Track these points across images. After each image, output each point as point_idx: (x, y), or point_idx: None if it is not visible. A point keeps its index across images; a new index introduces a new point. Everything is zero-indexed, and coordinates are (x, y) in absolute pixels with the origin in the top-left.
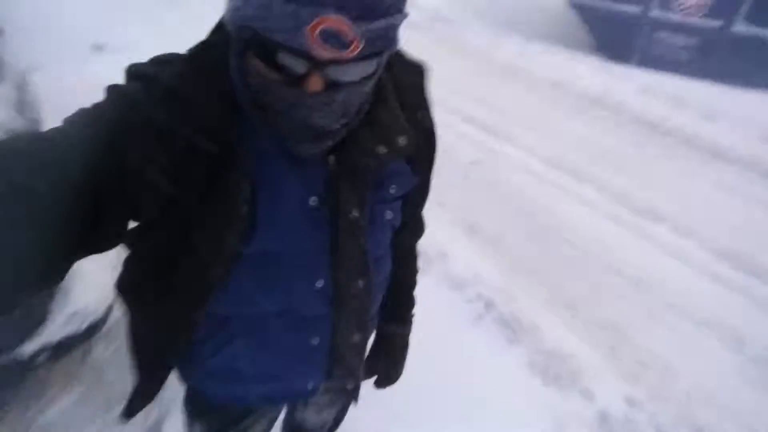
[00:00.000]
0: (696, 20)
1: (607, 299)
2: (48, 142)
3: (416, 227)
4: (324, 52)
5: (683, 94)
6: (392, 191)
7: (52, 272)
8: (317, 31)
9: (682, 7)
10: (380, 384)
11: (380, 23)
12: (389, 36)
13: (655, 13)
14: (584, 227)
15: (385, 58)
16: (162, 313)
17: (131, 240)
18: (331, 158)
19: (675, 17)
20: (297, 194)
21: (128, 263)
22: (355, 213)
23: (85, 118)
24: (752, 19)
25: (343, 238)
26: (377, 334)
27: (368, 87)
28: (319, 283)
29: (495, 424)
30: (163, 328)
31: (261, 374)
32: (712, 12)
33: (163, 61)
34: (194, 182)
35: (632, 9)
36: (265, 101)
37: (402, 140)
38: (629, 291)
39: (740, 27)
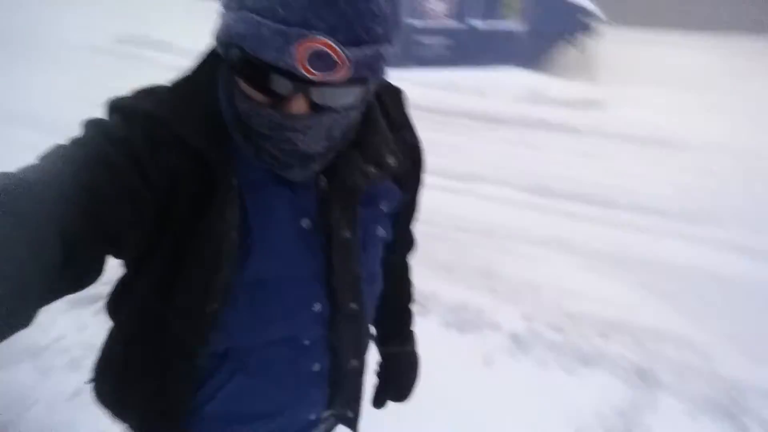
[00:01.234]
0: (445, 22)
1: (469, 253)
2: (23, 183)
3: (407, 242)
4: (311, 73)
5: (451, 81)
6: (383, 208)
7: (19, 317)
8: (305, 51)
9: (427, 14)
10: (391, 400)
11: (368, 50)
12: (376, 65)
13: (410, 21)
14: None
15: (370, 88)
16: (158, 369)
17: (113, 306)
18: (322, 179)
19: (428, 23)
20: (289, 218)
21: (113, 336)
22: (347, 234)
23: (62, 154)
24: (486, 16)
25: (336, 259)
26: (381, 360)
27: (353, 116)
28: (317, 307)
29: (436, 377)
30: (164, 384)
31: (264, 411)
32: (455, 15)
33: (146, 92)
34: (181, 213)
35: None
36: (251, 124)
37: (391, 160)
38: (482, 240)
39: (479, 23)
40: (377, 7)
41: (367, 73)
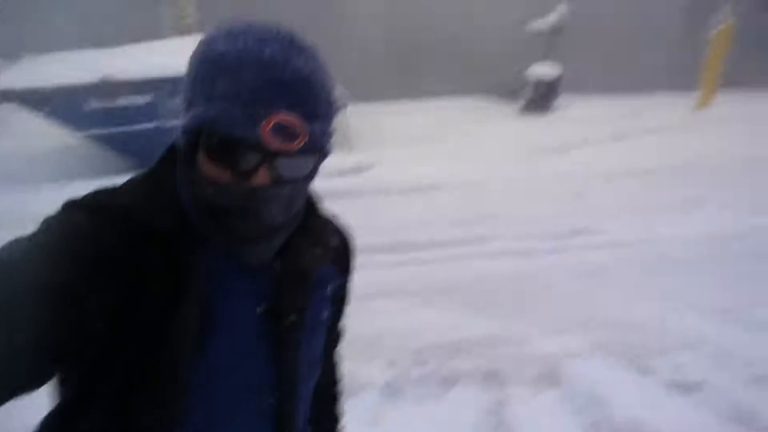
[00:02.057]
0: None
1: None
2: None
3: (338, 334)
4: (276, 143)
5: None
6: (327, 292)
7: None
8: (271, 125)
9: None
10: None
11: (319, 124)
12: (326, 138)
13: (172, 123)
14: None
15: (321, 159)
16: None
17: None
18: (277, 263)
19: None
20: (248, 304)
21: None
22: (292, 317)
23: (17, 249)
24: None
25: (283, 344)
26: None
27: (306, 186)
28: (270, 400)
29: None
30: None
31: None
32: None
33: (107, 192)
34: (143, 313)
35: (150, 125)
36: (214, 205)
37: (334, 241)
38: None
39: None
40: (321, 91)
41: (320, 144)
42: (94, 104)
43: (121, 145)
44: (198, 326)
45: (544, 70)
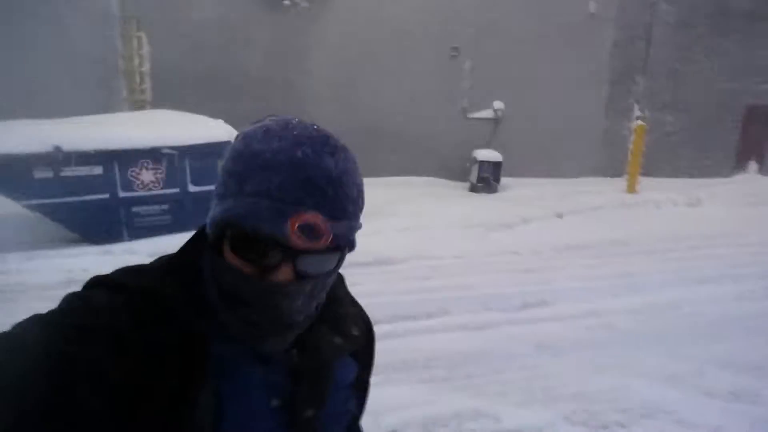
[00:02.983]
0: (160, 191)
1: None
2: None
3: (358, 428)
4: (301, 242)
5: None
6: (347, 384)
7: None
8: (297, 224)
9: (140, 186)
10: None
11: (344, 224)
12: (350, 235)
13: (123, 194)
14: None
15: (345, 254)
16: None
17: None
18: (294, 352)
19: (141, 193)
20: (261, 397)
21: None
22: (310, 412)
23: (39, 325)
24: (196, 182)
25: None
26: None
27: (330, 281)
28: None
29: None
30: None
31: None
32: (168, 183)
33: (130, 271)
34: (153, 398)
35: (101, 196)
36: (237, 296)
37: (355, 330)
38: None
39: (192, 188)
40: (350, 191)
41: (343, 242)
42: (44, 174)
43: (70, 216)
44: (210, 417)
45: (488, 154)
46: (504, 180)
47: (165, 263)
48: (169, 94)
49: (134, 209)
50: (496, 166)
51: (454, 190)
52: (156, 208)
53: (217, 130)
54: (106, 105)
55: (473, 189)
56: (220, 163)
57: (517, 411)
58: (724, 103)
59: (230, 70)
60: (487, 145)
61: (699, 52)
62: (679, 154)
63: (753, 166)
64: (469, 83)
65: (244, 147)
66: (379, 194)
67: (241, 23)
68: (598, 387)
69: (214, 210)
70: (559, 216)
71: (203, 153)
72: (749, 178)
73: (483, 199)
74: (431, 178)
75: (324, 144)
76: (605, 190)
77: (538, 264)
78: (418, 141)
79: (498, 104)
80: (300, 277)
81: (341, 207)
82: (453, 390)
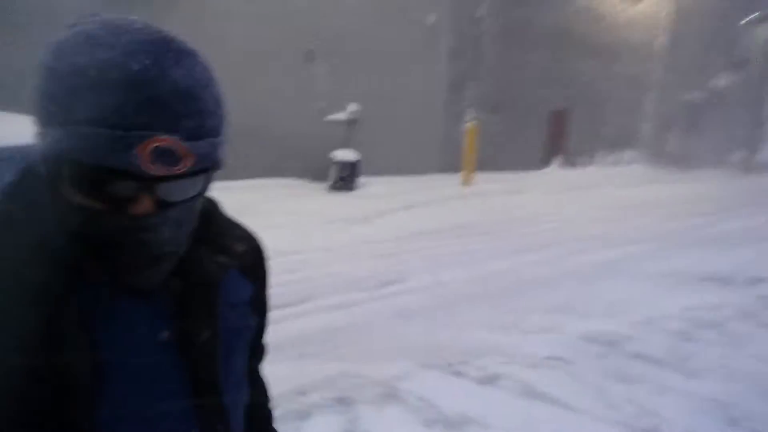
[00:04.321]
0: None
1: None
2: None
3: (262, 347)
4: (156, 169)
5: None
6: (241, 301)
7: None
8: (148, 150)
9: None
10: None
11: (205, 142)
12: (215, 154)
13: None
14: None
15: (211, 176)
16: None
17: None
18: (175, 280)
19: None
20: (145, 334)
21: None
22: (205, 334)
23: None
24: None
25: (199, 367)
26: None
27: (198, 204)
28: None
29: None
30: None
31: None
32: None
33: None
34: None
35: None
36: (92, 236)
37: (239, 247)
38: None
39: None
40: (207, 104)
41: (208, 162)
42: None
43: None
44: (87, 374)
45: (345, 154)
46: (362, 179)
47: None
48: None
49: None
50: (354, 165)
51: (315, 190)
52: None
53: None
54: None
55: (333, 188)
56: (34, 83)
57: (379, 366)
58: (536, 108)
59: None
60: (344, 146)
61: (515, 62)
62: (504, 150)
63: (557, 160)
64: (325, 86)
65: (59, 61)
66: (242, 196)
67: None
68: (444, 339)
69: (41, 142)
70: (408, 207)
71: None
72: (555, 171)
73: (342, 197)
74: (292, 179)
75: (166, 50)
76: (447, 184)
77: (393, 249)
78: (278, 143)
79: (353, 107)
80: (162, 206)
81: (199, 124)
82: (323, 362)
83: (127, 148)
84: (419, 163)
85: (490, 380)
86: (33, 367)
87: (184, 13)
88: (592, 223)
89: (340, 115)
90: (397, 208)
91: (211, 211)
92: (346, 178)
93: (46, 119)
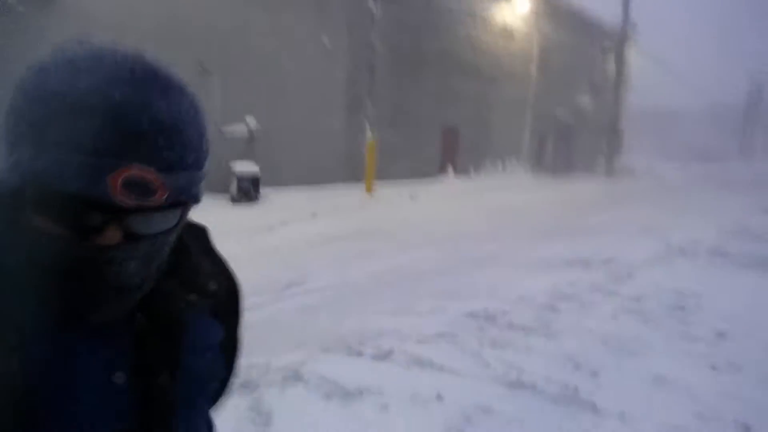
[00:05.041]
0: None
1: None
2: None
3: (222, 389)
4: (128, 201)
5: None
6: (206, 346)
7: None
8: (121, 180)
9: None
10: None
11: (184, 175)
12: (192, 188)
13: None
14: None
15: (187, 210)
16: None
17: None
18: (139, 316)
19: None
20: (97, 372)
21: None
22: (164, 378)
23: None
24: None
25: (153, 416)
26: None
27: (171, 238)
28: None
29: None
30: None
31: None
32: None
33: None
34: None
35: None
36: (52, 264)
37: (212, 285)
38: None
39: None
40: (189, 138)
41: (184, 196)
42: None
43: None
44: (18, 415)
45: (245, 166)
46: (264, 190)
47: None
48: None
49: None
50: (255, 177)
51: (216, 202)
52: None
53: None
54: None
55: (234, 200)
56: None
57: (284, 354)
58: (429, 124)
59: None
60: (243, 158)
61: (407, 83)
62: (401, 162)
63: (450, 170)
64: (219, 99)
65: (40, 85)
66: None
67: None
68: (346, 327)
69: (5, 162)
70: (313, 215)
71: None
72: (448, 179)
73: (245, 209)
74: None
75: (151, 81)
76: (349, 193)
77: (297, 255)
78: None
79: (251, 120)
80: (131, 238)
81: (178, 158)
82: None
83: (98, 175)
84: (323, 174)
85: (384, 356)
86: None
87: (72, 26)
88: (479, 222)
89: (239, 129)
90: (302, 216)
91: (189, 244)
92: (247, 190)
93: (14, 139)
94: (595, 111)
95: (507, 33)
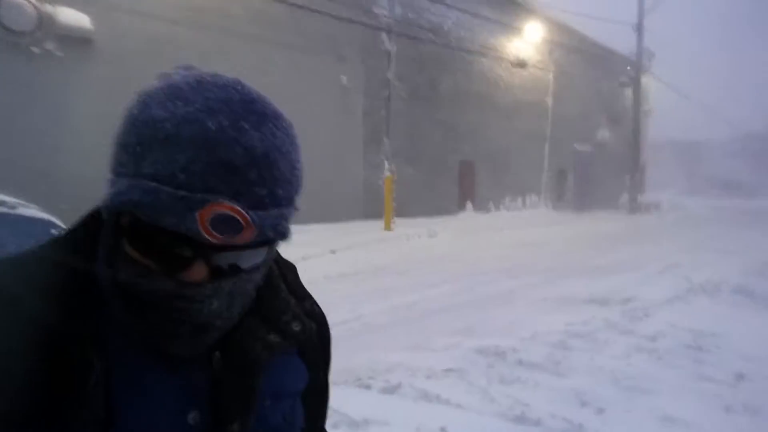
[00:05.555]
0: None
1: None
2: None
3: None
4: (215, 238)
5: None
6: (287, 392)
7: None
8: (209, 216)
9: None
10: None
11: (273, 212)
12: (281, 226)
13: None
14: None
15: (275, 248)
16: None
17: None
18: (216, 355)
19: None
20: (172, 411)
21: None
22: (235, 426)
23: None
24: None
25: None
26: None
27: (255, 279)
28: None
29: None
30: None
31: None
32: None
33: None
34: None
35: None
36: (137, 293)
37: (296, 326)
38: None
39: None
40: (282, 172)
41: (272, 233)
42: None
43: None
44: (99, 422)
45: None
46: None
47: (47, 247)
48: None
49: None
50: None
51: None
52: None
53: None
54: None
55: None
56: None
57: None
58: (446, 159)
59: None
60: None
61: (424, 119)
62: (420, 198)
63: (469, 205)
64: None
65: (141, 111)
66: None
67: None
68: (358, 362)
69: (109, 189)
70: (332, 251)
71: None
72: (468, 215)
73: None
74: None
75: (247, 111)
76: (368, 229)
77: (315, 289)
78: None
79: None
80: (217, 275)
81: (269, 193)
82: None
83: (188, 210)
84: (342, 211)
85: (392, 389)
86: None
87: (108, 68)
88: (497, 259)
89: None
90: (322, 252)
91: (276, 281)
92: None
93: (116, 168)
94: (616, 144)
95: (522, 65)
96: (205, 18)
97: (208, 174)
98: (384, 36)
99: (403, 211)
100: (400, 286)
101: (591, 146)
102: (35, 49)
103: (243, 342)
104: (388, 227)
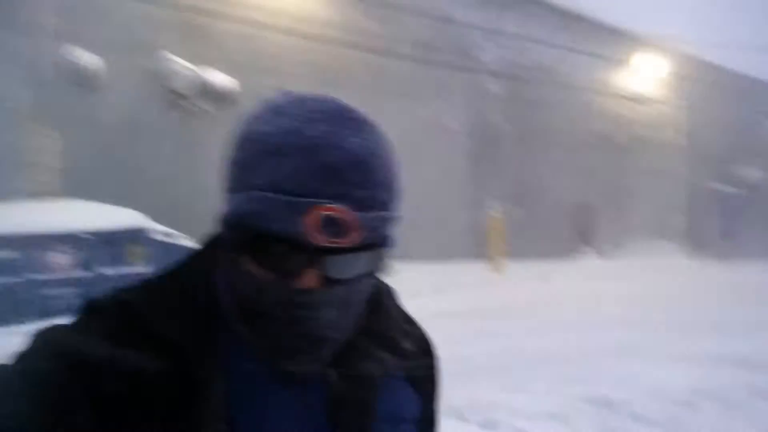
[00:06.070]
0: (72, 273)
1: None
2: None
3: None
4: (323, 240)
5: None
6: (400, 413)
7: None
8: (316, 219)
9: (54, 267)
10: None
11: (375, 215)
12: (386, 229)
13: (31, 276)
14: None
15: (382, 255)
16: None
17: None
18: (332, 372)
19: (52, 275)
20: (288, 427)
21: None
22: None
23: (11, 374)
24: (114, 263)
25: None
26: None
27: (367, 287)
28: None
29: None
30: None
31: None
32: (82, 265)
33: (128, 288)
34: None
35: (15, 279)
36: (254, 308)
37: (408, 344)
38: None
39: (107, 270)
40: (381, 175)
41: (377, 237)
42: None
43: None
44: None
45: None
46: (395, 264)
47: (169, 274)
48: (83, 187)
49: (41, 290)
50: None
51: None
52: (67, 290)
53: (128, 218)
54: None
55: None
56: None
57: None
58: (559, 200)
59: (138, 167)
60: None
61: (533, 159)
62: (532, 240)
63: (586, 249)
64: None
65: (249, 129)
66: None
67: (147, 126)
68: (457, 398)
69: (225, 208)
70: (438, 290)
71: (114, 238)
72: (584, 259)
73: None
74: None
75: (345, 119)
76: (476, 270)
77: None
78: None
79: None
80: (329, 282)
81: (370, 195)
82: None
83: (296, 214)
84: (449, 250)
85: (490, 425)
86: None
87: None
88: (616, 308)
89: None
90: (426, 291)
91: (381, 299)
92: None
93: (231, 185)
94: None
95: (643, 100)
96: (326, 75)
97: (313, 178)
98: (487, 78)
99: (514, 254)
100: (506, 330)
101: (735, 185)
102: (194, 108)
103: (355, 359)
104: (496, 269)
